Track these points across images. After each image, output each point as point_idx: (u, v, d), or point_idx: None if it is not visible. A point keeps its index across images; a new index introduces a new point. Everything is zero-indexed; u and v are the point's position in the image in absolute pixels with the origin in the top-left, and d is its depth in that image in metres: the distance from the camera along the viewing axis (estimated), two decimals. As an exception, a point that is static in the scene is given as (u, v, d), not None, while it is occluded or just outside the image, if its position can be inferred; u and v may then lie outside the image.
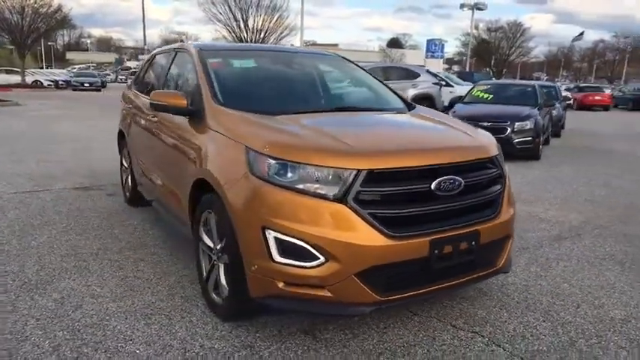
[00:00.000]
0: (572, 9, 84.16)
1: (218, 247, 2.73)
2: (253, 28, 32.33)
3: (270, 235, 2.28)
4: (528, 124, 8.64)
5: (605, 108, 27.83)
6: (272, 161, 2.34)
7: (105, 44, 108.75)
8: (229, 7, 31.87)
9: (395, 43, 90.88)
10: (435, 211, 2.39)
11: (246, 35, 32.38)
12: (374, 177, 2.27)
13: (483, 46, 61.06)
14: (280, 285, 2.30)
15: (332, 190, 2.25)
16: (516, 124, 8.57)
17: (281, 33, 32.55)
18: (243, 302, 2.58)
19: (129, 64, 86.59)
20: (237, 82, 3.48)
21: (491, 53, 60.26)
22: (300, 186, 2.28)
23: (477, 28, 51.64)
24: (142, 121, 4.15)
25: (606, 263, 3.76)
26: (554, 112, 11.61)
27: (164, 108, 3.17)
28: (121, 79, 49.50)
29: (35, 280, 3.24)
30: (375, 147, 2.44)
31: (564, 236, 4.43)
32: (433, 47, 70.93)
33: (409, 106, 3.63)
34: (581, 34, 71.37)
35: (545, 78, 64.54)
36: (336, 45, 77.57)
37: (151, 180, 4.02)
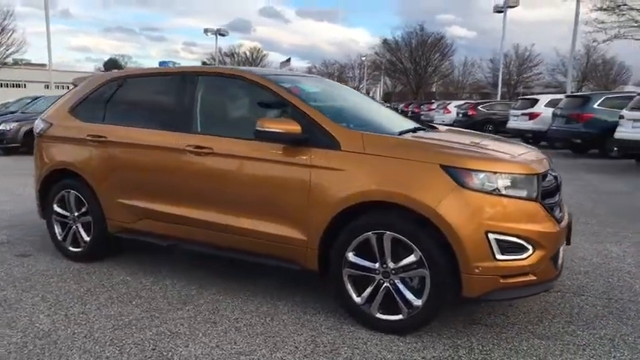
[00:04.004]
0: (274, 38, 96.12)
1: (391, 266, 2.83)
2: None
3: (492, 237, 2.62)
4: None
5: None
6: (480, 174, 2.68)
7: None
8: None
9: (113, 64, 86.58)
10: (558, 202, 3.13)
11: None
12: (542, 179, 2.86)
13: (217, 69, 63.76)
14: (500, 280, 2.66)
15: (525, 192, 2.74)
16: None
17: (7, 49, 27.31)
18: (437, 309, 2.79)
19: None
20: (333, 106, 3.47)
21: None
22: (506, 192, 2.69)
23: (220, 52, 53.59)
24: (160, 159, 3.55)
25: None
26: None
27: (276, 135, 2.99)
28: None
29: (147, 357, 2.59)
30: (525, 157, 3.00)
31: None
32: (166, 69, 70.58)
33: None
34: (289, 59, 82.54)
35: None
36: (43, 65, 68.39)
37: (180, 222, 3.50)
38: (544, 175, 2.90)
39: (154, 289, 3.57)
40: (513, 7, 28.19)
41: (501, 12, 28.93)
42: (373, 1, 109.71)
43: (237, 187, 3.26)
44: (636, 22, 22.13)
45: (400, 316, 2.84)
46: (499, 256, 2.64)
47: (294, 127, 3.00)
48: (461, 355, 2.65)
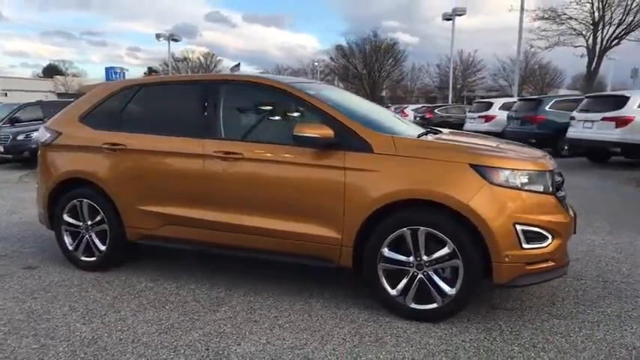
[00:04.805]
0: (221, 43, 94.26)
1: (425, 258, 3.05)
2: None
3: (519, 228, 2.91)
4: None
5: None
6: (505, 171, 2.95)
7: None
8: None
9: (53, 70, 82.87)
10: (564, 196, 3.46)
11: None
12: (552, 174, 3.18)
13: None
14: (526, 267, 2.95)
15: (542, 186, 3.04)
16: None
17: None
18: (469, 296, 3.04)
19: None
20: (354, 111, 3.64)
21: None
22: (527, 187, 2.98)
23: (173, 57, 52.04)
24: (185, 165, 3.62)
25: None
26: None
27: (312, 140, 3.15)
28: None
29: (200, 359, 2.68)
30: (535, 156, 3.31)
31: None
32: (113, 75, 67.96)
33: None
34: (238, 64, 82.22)
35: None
36: (-29, 72, 64.52)
37: (209, 226, 3.58)
38: (554, 172, 3.22)
39: (181, 293, 3.63)
40: (461, 15, 29.48)
41: (450, 20, 30.19)
42: (319, 8, 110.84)
43: (270, 191, 3.38)
44: (575, 30, 23.78)
45: (435, 305, 3.07)
46: (525, 245, 2.93)
47: (328, 132, 3.18)
48: (495, 337, 2.91)
